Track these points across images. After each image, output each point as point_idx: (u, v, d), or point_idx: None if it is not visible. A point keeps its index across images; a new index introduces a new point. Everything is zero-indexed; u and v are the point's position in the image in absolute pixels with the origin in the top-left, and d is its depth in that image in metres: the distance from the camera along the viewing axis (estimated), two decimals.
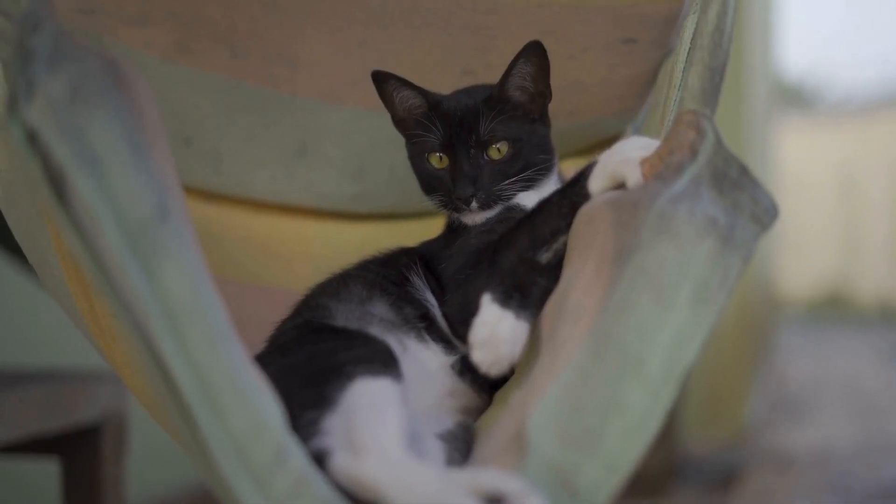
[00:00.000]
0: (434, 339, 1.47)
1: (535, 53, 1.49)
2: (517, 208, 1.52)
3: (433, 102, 1.55)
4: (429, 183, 1.56)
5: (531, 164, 1.53)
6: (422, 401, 1.39)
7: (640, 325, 1.16)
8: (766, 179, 6.12)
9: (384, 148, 1.87)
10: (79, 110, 1.09)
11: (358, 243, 1.67)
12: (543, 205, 1.42)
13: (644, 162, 1.32)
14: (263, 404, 1.13)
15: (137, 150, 1.10)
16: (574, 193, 1.39)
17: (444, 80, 1.76)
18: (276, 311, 1.54)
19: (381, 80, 1.55)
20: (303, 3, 1.70)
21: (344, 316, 1.44)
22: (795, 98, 10.83)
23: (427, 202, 1.58)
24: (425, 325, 1.48)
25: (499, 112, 1.50)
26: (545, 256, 1.40)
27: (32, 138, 1.09)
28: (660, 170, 1.29)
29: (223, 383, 1.10)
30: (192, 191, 1.84)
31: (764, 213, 1.24)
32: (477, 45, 1.73)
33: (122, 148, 1.09)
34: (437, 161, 1.53)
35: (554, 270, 1.37)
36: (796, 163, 8.82)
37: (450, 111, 1.53)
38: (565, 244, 1.39)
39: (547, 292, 1.36)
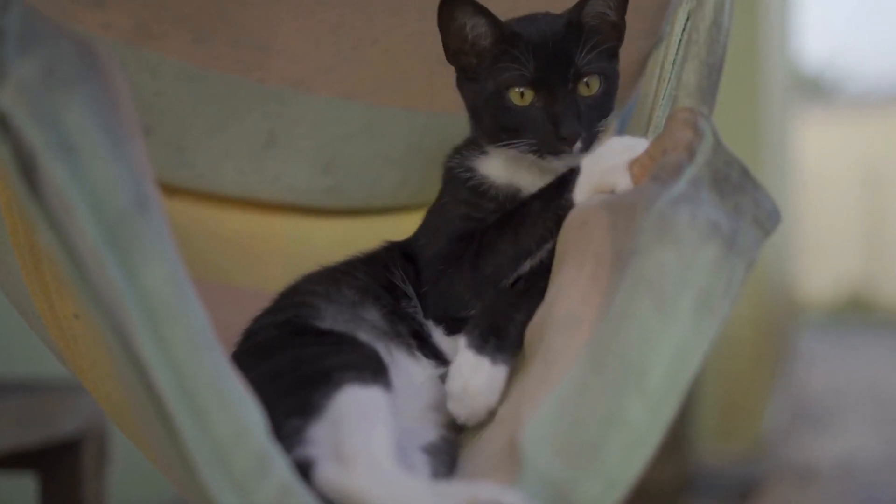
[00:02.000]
0: (425, 355, 1.46)
1: None
2: (488, 186, 1.51)
3: (510, 32, 1.46)
4: (508, 123, 1.46)
5: (611, 109, 1.49)
6: (406, 413, 1.37)
7: (641, 335, 1.15)
8: (784, 175, 6.10)
9: (358, 139, 1.85)
10: (53, 94, 1.08)
11: (330, 239, 1.67)
12: (526, 213, 1.42)
13: (634, 163, 1.32)
14: (245, 410, 1.12)
15: (115, 136, 1.09)
16: (558, 206, 1.40)
17: (422, 69, 1.76)
18: (243, 312, 1.52)
19: (454, 5, 1.45)
20: None
21: (332, 317, 1.43)
22: (815, 90, 10.83)
23: (401, 195, 1.56)
24: (417, 343, 1.47)
25: (586, 41, 1.44)
26: (528, 265, 1.43)
27: (2, 123, 1.07)
28: (654, 171, 1.28)
29: (206, 387, 1.08)
30: (154, 182, 1.81)
31: (767, 218, 1.24)
32: None
33: (99, 134, 1.08)
34: (519, 97, 1.44)
35: (533, 297, 1.38)
36: (816, 158, 8.80)
37: (536, 39, 1.44)
38: (550, 252, 1.40)
39: (525, 324, 1.37)
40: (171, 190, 1.82)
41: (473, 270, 1.44)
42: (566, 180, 1.40)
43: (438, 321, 1.49)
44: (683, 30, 1.43)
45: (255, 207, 1.90)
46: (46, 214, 1.08)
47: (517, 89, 1.44)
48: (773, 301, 5.38)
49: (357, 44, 1.73)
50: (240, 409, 1.11)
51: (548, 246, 1.41)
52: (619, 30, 1.48)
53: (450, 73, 1.58)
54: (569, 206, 1.39)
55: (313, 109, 1.83)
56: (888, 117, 9.14)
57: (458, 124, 1.63)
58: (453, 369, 1.37)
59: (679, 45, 1.44)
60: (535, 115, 1.43)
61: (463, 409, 1.36)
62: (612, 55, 1.49)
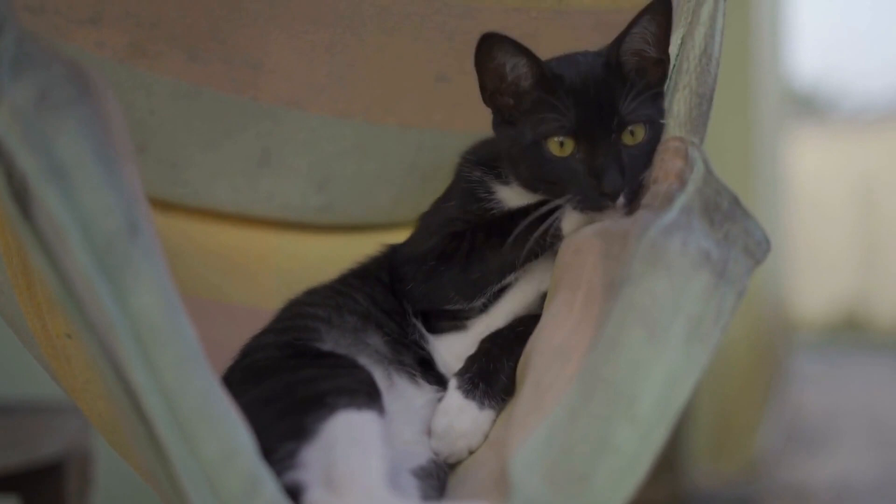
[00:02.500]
0: (428, 381, 1.49)
1: (661, 10, 1.39)
2: (501, 209, 1.50)
3: (553, 74, 1.40)
4: (546, 175, 1.41)
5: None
6: (401, 435, 1.40)
7: (632, 363, 1.17)
8: (777, 194, 6.14)
9: (351, 157, 1.88)
10: (45, 119, 1.11)
11: (324, 257, 1.70)
12: (514, 237, 1.42)
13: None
14: (234, 431, 1.14)
15: (107, 161, 1.12)
16: (547, 230, 1.41)
17: (416, 87, 1.78)
18: (237, 330, 1.54)
19: (493, 43, 1.39)
20: (267, 5, 1.71)
21: (334, 340, 1.45)
22: (809, 107, 10.86)
23: (390, 216, 1.57)
24: (421, 370, 1.49)
25: (631, 86, 1.39)
26: (513, 277, 1.47)
27: None
28: (646, 200, 1.30)
29: (194, 409, 1.11)
30: (147, 201, 1.82)
31: (756, 247, 1.26)
32: (451, 50, 1.73)
33: (90, 159, 1.11)
34: (558, 148, 1.39)
35: (524, 340, 1.40)
36: (811, 176, 8.83)
37: (578, 85, 1.40)
38: (543, 296, 1.44)
39: (514, 372, 1.40)
40: (165, 206, 1.85)
41: (462, 271, 1.47)
42: (552, 212, 1.40)
43: (416, 314, 1.52)
44: (676, 56, 1.42)
45: (250, 224, 1.93)
46: (37, 238, 1.12)
47: (557, 139, 1.39)
48: (767, 321, 5.40)
49: (350, 62, 1.76)
50: (229, 431, 1.13)
51: (530, 264, 1.45)
52: (662, 67, 1.42)
53: (446, 90, 1.60)
54: (557, 235, 1.41)
55: (307, 127, 1.85)
56: (883, 135, 9.16)
57: (453, 142, 1.66)
58: (440, 408, 1.42)
59: (672, 72, 1.43)
60: (576, 167, 1.39)
61: (445, 448, 1.40)
62: (658, 97, 1.42)
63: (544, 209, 1.40)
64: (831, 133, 9.57)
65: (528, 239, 1.41)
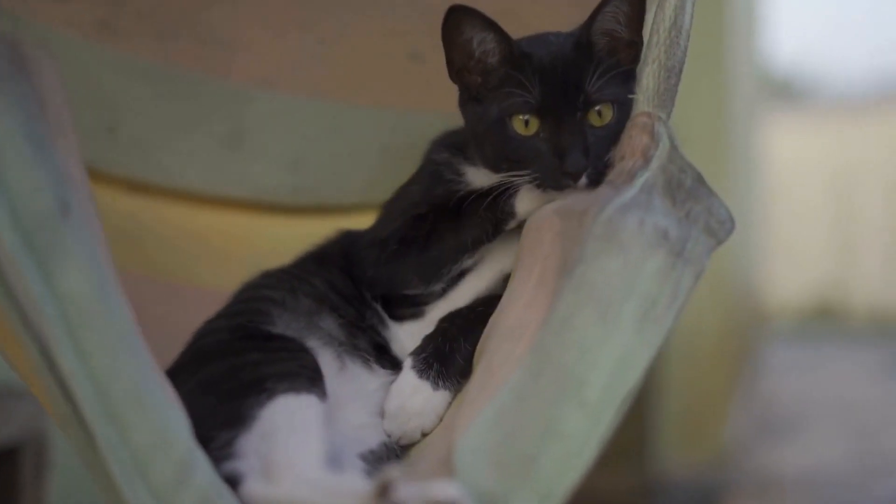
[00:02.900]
0: (382, 366, 1.48)
1: None
2: (468, 192, 1.49)
3: (521, 52, 1.40)
4: (510, 153, 1.40)
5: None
6: (352, 419, 1.41)
7: (582, 344, 1.16)
8: (752, 180, 6.17)
9: (324, 138, 1.89)
10: None
11: (297, 239, 1.67)
12: (471, 211, 1.43)
13: None
14: (168, 417, 1.15)
15: (37, 141, 1.12)
16: (500, 210, 1.42)
17: (389, 66, 1.79)
18: (208, 313, 1.54)
19: (461, 17, 1.38)
20: None
21: (285, 323, 1.45)
22: (785, 93, 10.89)
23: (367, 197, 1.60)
24: (376, 355, 1.49)
25: (597, 65, 1.38)
26: (469, 262, 1.46)
27: None
28: (611, 176, 1.30)
29: (124, 395, 1.11)
30: (117, 182, 1.85)
31: (719, 226, 1.25)
32: (425, 26, 1.71)
33: (19, 139, 1.10)
34: (522, 126, 1.39)
35: (485, 321, 1.40)
36: (786, 162, 8.86)
37: (545, 63, 1.39)
38: (506, 277, 1.43)
39: (472, 354, 1.40)
40: (135, 188, 1.85)
41: (421, 253, 1.47)
42: (506, 190, 1.41)
43: (376, 299, 1.52)
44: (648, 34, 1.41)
45: (222, 206, 1.92)
46: None
47: (521, 117, 1.38)
48: (739, 308, 5.43)
49: (323, 41, 1.77)
50: (161, 417, 1.14)
51: (484, 246, 1.45)
52: (634, 48, 1.41)
53: (421, 70, 1.59)
54: (510, 212, 1.42)
55: (280, 107, 1.86)
56: (861, 122, 9.19)
57: (428, 122, 1.65)
58: (394, 387, 1.41)
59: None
60: (540, 145, 1.38)
61: (396, 429, 1.40)
62: (629, 78, 1.41)
63: (499, 188, 1.41)
64: (808, 119, 9.60)
65: (481, 217, 1.42)
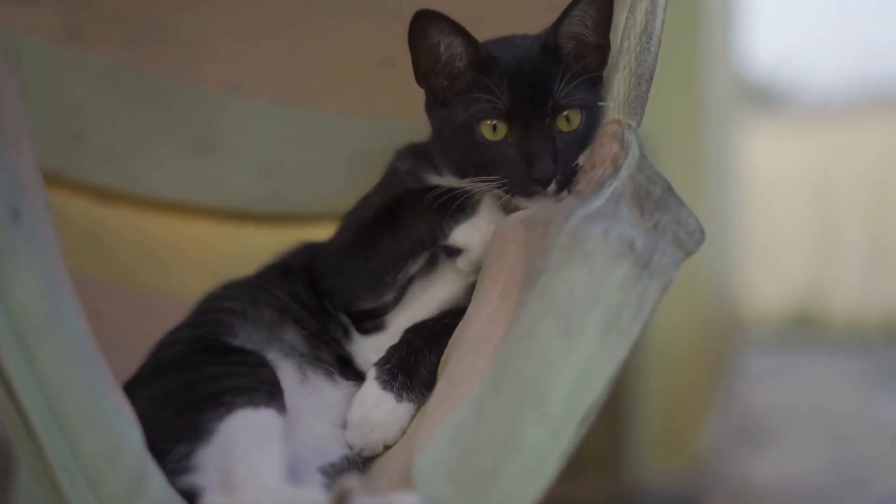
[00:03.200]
0: (346, 378, 1.47)
1: None
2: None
3: (488, 56, 1.39)
4: (477, 159, 1.39)
5: (592, 142, 1.39)
6: (313, 431, 1.40)
7: (543, 357, 1.16)
8: (729, 188, 6.19)
9: (295, 144, 1.89)
10: None
11: (267, 247, 1.68)
12: (404, 224, 1.43)
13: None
14: (119, 427, 1.14)
15: None
16: (437, 227, 1.41)
17: (360, 72, 1.78)
18: (175, 322, 1.54)
19: (427, 21, 1.37)
20: None
21: (246, 335, 1.44)
22: (763, 99, 10.92)
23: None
24: (339, 367, 1.48)
25: (566, 69, 1.37)
26: (414, 267, 1.45)
27: None
28: (580, 185, 1.29)
29: (75, 404, 1.11)
30: (84, 188, 1.85)
31: (688, 237, 1.24)
32: (395, 32, 1.72)
33: None
34: (490, 131, 1.37)
35: (450, 332, 1.39)
36: (764, 169, 8.87)
37: (513, 67, 1.38)
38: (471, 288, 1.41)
39: (437, 366, 1.39)
40: (102, 194, 1.85)
41: (364, 263, 1.46)
42: (461, 205, 1.39)
43: (340, 311, 1.50)
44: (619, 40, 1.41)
45: (191, 213, 1.92)
46: None
47: (489, 122, 1.37)
48: (716, 316, 5.44)
49: (294, 47, 1.77)
50: (112, 427, 1.13)
51: (426, 252, 1.43)
52: (602, 52, 1.41)
53: (391, 76, 1.57)
54: (446, 233, 1.40)
55: (250, 114, 1.87)
56: (840, 129, 9.21)
57: (399, 129, 1.65)
58: (357, 398, 1.40)
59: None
60: (508, 151, 1.37)
61: (358, 440, 1.39)
62: (596, 82, 1.41)
63: (438, 191, 1.40)
64: (787, 126, 9.61)
65: (418, 223, 1.41)
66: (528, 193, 1.37)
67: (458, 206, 1.39)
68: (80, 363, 1.12)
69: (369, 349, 1.49)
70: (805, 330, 9.18)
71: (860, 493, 4.38)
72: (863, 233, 9.07)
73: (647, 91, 1.33)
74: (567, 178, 1.37)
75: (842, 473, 4.69)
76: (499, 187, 1.38)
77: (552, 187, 1.36)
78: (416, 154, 1.53)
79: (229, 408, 1.26)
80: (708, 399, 5.10)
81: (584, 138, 1.39)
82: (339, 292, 1.50)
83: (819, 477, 4.64)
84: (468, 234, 1.40)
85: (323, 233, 1.63)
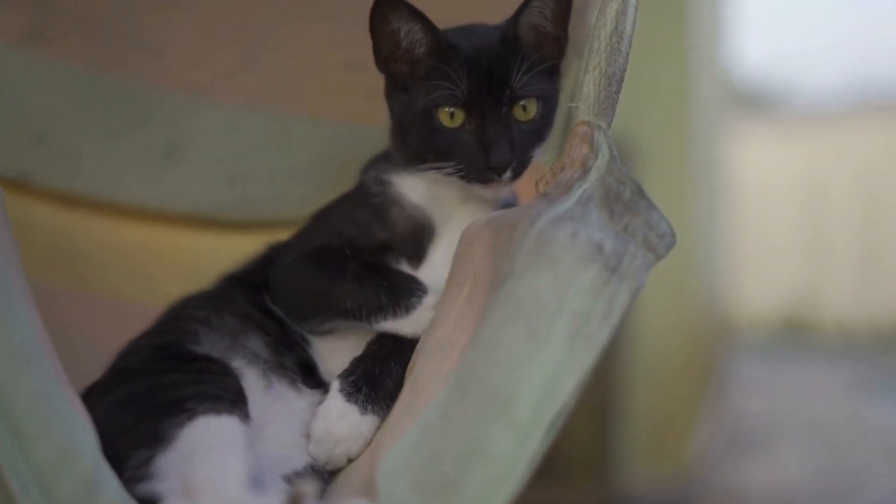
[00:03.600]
0: (309, 386, 1.46)
1: None
2: (394, 206, 1.49)
3: (448, 44, 1.41)
4: (435, 145, 1.42)
5: (548, 132, 1.45)
6: (277, 439, 1.39)
7: (509, 362, 1.14)
8: (718, 192, 6.19)
9: (264, 149, 1.87)
10: None
11: (237, 254, 1.66)
12: (370, 285, 1.42)
13: (540, 181, 1.32)
14: (73, 432, 1.13)
15: None
16: (397, 299, 1.40)
17: (328, 76, 1.77)
18: (139, 332, 1.52)
19: (389, 7, 1.40)
20: None
21: (211, 343, 1.44)
22: (753, 103, 10.94)
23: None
24: (302, 375, 1.47)
25: (523, 59, 1.40)
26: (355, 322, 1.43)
27: None
28: (549, 187, 1.27)
29: (26, 407, 1.10)
30: (46, 195, 1.82)
31: (659, 241, 1.23)
32: (365, 35, 1.71)
33: None
34: (448, 118, 1.40)
35: (415, 342, 1.38)
36: (755, 173, 8.89)
37: (473, 56, 1.40)
38: None
39: (403, 376, 1.37)
40: (64, 201, 1.82)
41: (311, 289, 1.46)
42: (416, 290, 1.40)
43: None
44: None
45: (157, 220, 1.90)
46: None
47: (447, 109, 1.40)
48: (706, 322, 5.43)
49: (259, 49, 1.75)
50: (66, 431, 1.12)
51: (367, 320, 1.41)
52: (560, 44, 1.44)
53: (360, 81, 1.57)
54: (403, 310, 1.40)
55: (216, 118, 1.84)
56: (831, 133, 9.23)
57: (368, 135, 1.64)
58: (320, 411, 1.39)
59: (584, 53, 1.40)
60: (465, 138, 1.40)
61: (322, 454, 1.38)
62: (553, 73, 1.45)
63: (402, 274, 1.43)
64: (778, 130, 9.63)
65: (350, 298, 1.41)
66: (483, 180, 1.40)
67: (391, 294, 1.41)
68: (31, 366, 1.11)
69: (326, 352, 1.48)
70: (796, 336, 9.20)
71: (851, 500, 4.39)
72: (854, 238, 9.09)
73: (618, 92, 1.33)
74: (522, 167, 1.41)
75: (832, 480, 4.71)
76: (456, 173, 1.41)
77: (507, 175, 1.39)
78: (378, 159, 1.54)
79: (191, 414, 1.25)
80: (697, 405, 5.11)
81: (541, 128, 1.43)
82: (275, 296, 1.50)
83: (810, 484, 4.65)
84: (398, 327, 1.41)
85: None
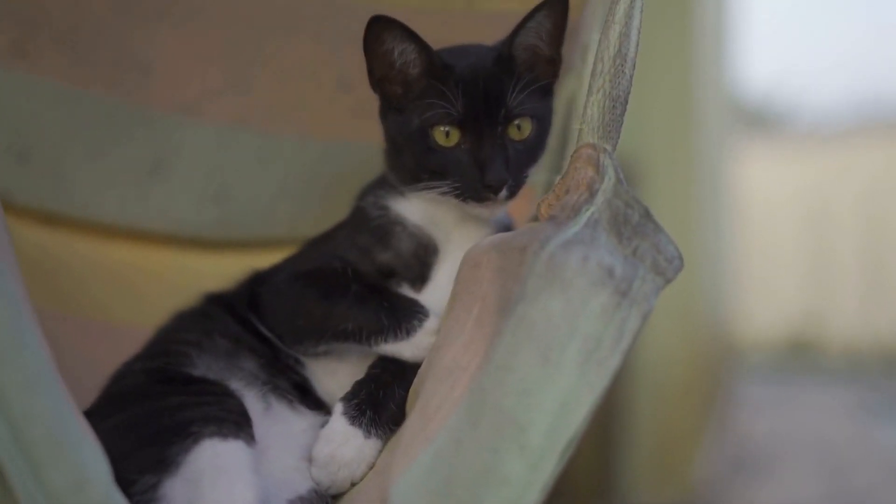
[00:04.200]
0: (307, 407, 1.46)
1: (558, 7, 1.42)
2: (395, 228, 1.49)
3: (442, 64, 1.43)
4: (430, 164, 1.43)
5: (542, 151, 1.47)
6: (279, 462, 1.38)
7: (522, 387, 1.14)
8: (722, 212, 6.18)
9: (250, 168, 1.85)
10: None
11: (221, 274, 1.64)
12: (372, 306, 1.41)
13: (542, 203, 1.31)
14: (86, 458, 1.11)
15: None
16: (397, 325, 1.40)
17: (317, 94, 1.76)
18: (125, 353, 1.51)
19: (382, 27, 1.40)
20: (158, 2, 1.69)
21: (206, 365, 1.43)
22: (760, 121, 10.96)
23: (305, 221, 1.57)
24: (298, 395, 1.47)
25: (518, 79, 1.42)
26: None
27: None
28: (554, 210, 1.27)
29: (40, 434, 1.08)
30: (29, 213, 1.80)
31: (667, 264, 1.23)
32: (355, 54, 1.70)
33: None
34: (444, 137, 1.41)
35: (418, 365, 1.38)
36: (759, 193, 8.89)
37: (467, 75, 1.42)
38: None
39: (405, 400, 1.37)
40: (47, 219, 1.81)
41: (293, 318, 1.46)
42: (417, 313, 1.40)
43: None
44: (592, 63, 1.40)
45: (140, 239, 1.88)
46: None
47: (443, 128, 1.41)
48: (710, 343, 5.43)
49: (247, 67, 1.74)
50: (80, 459, 1.11)
51: (367, 342, 1.41)
52: (554, 65, 1.46)
53: (348, 99, 1.58)
54: (405, 334, 1.40)
55: (201, 136, 1.83)
56: (835, 152, 9.23)
57: (357, 153, 1.64)
58: (323, 434, 1.38)
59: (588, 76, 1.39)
60: (461, 157, 1.41)
61: (325, 478, 1.37)
62: (547, 93, 1.47)
63: (403, 297, 1.43)
64: (782, 149, 9.65)
65: (350, 319, 1.41)
66: (479, 199, 1.41)
67: (392, 316, 1.41)
68: (45, 391, 1.10)
69: (322, 373, 1.48)
70: (801, 357, 9.20)
71: None
72: (859, 257, 9.08)
73: (623, 114, 1.33)
74: (518, 186, 1.42)
75: (838, 503, 4.69)
76: (451, 192, 1.42)
77: (503, 193, 1.40)
78: (374, 185, 1.54)
79: (196, 438, 1.24)
80: (702, 428, 5.11)
81: (535, 148, 1.44)
82: (267, 314, 1.49)
83: None
84: (399, 350, 1.41)
85: (277, 258, 1.60)
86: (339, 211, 1.57)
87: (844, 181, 9.23)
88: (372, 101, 1.48)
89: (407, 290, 1.48)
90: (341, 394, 1.43)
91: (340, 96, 1.60)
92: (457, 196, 1.42)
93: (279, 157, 1.85)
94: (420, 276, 1.49)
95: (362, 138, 1.67)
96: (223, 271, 1.74)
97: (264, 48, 1.74)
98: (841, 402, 7.47)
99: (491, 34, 1.55)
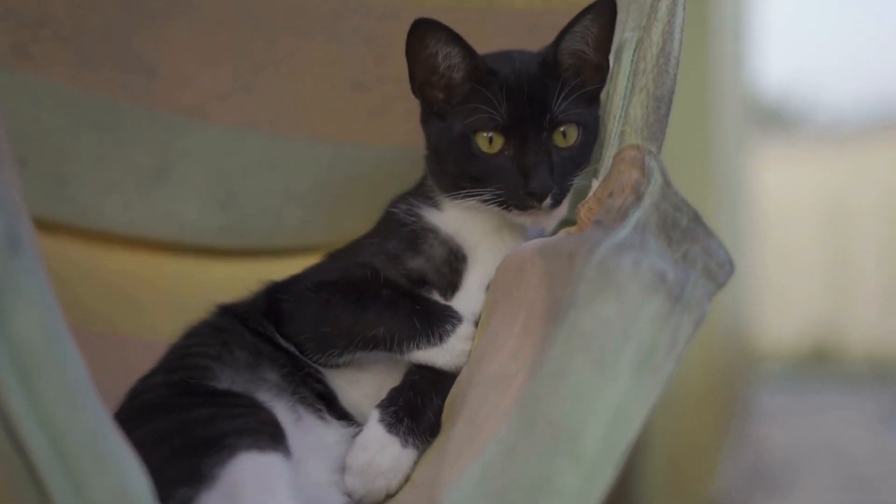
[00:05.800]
0: (334, 417, 1.45)
1: (605, 11, 1.42)
2: (427, 236, 1.49)
3: (487, 68, 1.43)
4: (472, 171, 1.43)
5: (588, 159, 1.46)
6: (313, 476, 1.37)
7: (576, 395, 1.13)
8: (740, 215, 6.17)
9: (256, 173, 1.84)
10: None
11: (227, 283, 1.64)
12: (404, 311, 1.42)
13: (582, 207, 1.31)
14: (127, 470, 1.11)
15: None
16: (430, 330, 1.40)
17: (329, 96, 1.75)
18: (127, 363, 1.50)
19: (426, 30, 1.40)
20: (165, 3, 1.68)
21: (230, 378, 1.42)
22: (777, 121, 10.96)
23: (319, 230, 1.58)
24: (325, 405, 1.46)
25: (563, 85, 1.42)
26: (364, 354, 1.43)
27: None
28: (599, 214, 1.26)
29: (81, 447, 1.08)
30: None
31: (719, 269, 1.23)
32: (369, 55, 1.70)
33: None
34: (486, 143, 1.41)
35: (454, 375, 1.38)
36: (778, 194, 8.87)
37: (512, 81, 1.42)
38: None
39: (442, 409, 1.37)
40: (48, 226, 1.79)
41: (318, 327, 1.45)
42: (450, 318, 1.40)
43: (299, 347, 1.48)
44: (632, 60, 1.41)
45: (143, 246, 1.88)
46: None
47: (486, 134, 1.41)
48: (727, 351, 5.42)
49: (257, 68, 1.73)
50: (120, 472, 1.10)
51: (398, 349, 1.41)
52: (600, 71, 1.46)
53: (364, 99, 1.56)
54: (438, 338, 1.40)
55: (208, 139, 1.82)
56: (856, 152, 9.22)
57: (372, 156, 1.64)
58: (359, 441, 1.38)
59: (628, 77, 1.41)
60: (504, 164, 1.41)
61: (361, 486, 1.37)
62: (593, 99, 1.47)
63: (436, 302, 1.44)
64: (801, 149, 9.63)
65: (381, 324, 1.41)
66: (523, 207, 1.41)
67: (425, 320, 1.40)
68: (86, 404, 1.09)
69: (347, 384, 1.48)
70: (821, 365, 9.18)
71: None
72: (880, 261, 9.07)
73: (667, 115, 1.33)
74: (563, 194, 1.42)
75: None
76: (494, 200, 1.41)
77: (548, 202, 1.40)
78: (407, 195, 1.54)
79: (232, 451, 1.23)
80: (720, 439, 5.10)
81: (580, 155, 1.43)
82: (288, 321, 1.48)
83: None
84: (432, 357, 1.41)
85: (285, 267, 1.60)
86: (350, 217, 1.57)
87: (863, 182, 9.22)
88: (390, 101, 1.49)
89: (438, 299, 1.47)
90: (367, 404, 1.43)
91: (356, 97, 1.59)
92: (499, 204, 1.42)
93: (288, 160, 1.85)
94: (451, 284, 1.49)
95: (379, 140, 1.66)
96: (228, 280, 1.76)
97: (275, 49, 1.73)
98: (863, 412, 7.46)
99: (512, 32, 1.55)
